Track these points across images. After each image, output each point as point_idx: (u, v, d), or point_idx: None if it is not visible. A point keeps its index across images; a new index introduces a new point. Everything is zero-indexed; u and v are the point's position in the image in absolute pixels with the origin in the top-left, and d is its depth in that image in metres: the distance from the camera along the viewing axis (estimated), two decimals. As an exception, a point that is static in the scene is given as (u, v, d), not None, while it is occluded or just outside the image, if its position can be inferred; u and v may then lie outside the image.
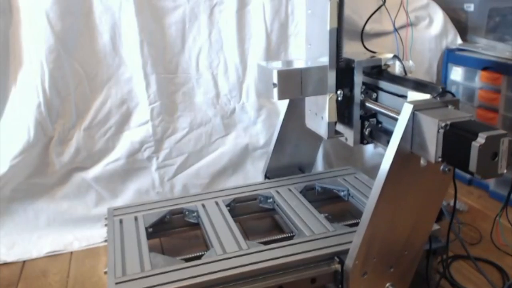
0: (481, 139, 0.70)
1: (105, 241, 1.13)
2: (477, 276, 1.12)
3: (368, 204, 0.88)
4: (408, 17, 1.50)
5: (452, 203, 1.43)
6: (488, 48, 1.58)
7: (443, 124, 0.75)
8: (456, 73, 1.62)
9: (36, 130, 1.29)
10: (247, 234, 1.31)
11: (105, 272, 0.97)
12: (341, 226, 1.09)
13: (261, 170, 1.44)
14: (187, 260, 1.00)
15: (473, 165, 0.71)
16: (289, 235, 1.12)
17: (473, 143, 0.70)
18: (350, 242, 0.99)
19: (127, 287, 0.90)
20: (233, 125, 1.50)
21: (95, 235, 1.35)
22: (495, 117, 1.48)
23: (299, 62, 1.06)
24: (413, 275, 0.99)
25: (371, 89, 1.03)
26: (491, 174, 0.73)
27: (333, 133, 1.08)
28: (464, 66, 1.59)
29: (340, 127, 1.09)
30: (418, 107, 0.81)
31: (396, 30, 1.46)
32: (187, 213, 1.22)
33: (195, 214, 1.21)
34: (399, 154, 0.83)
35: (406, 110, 0.82)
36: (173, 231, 1.24)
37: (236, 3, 1.43)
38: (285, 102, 1.32)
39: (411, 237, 0.93)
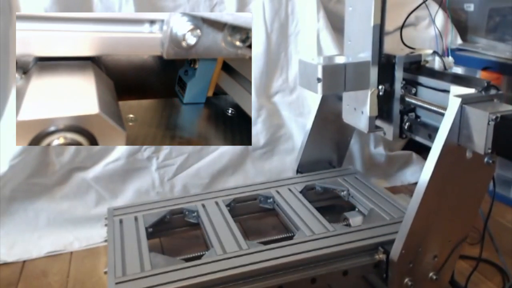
0: None
1: (105, 241, 1.13)
2: (477, 276, 1.12)
3: (415, 195, 0.90)
4: (448, 13, 1.52)
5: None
6: (488, 48, 1.58)
7: (493, 117, 0.78)
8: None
9: (36, 130, 1.29)
10: (247, 234, 1.31)
11: (105, 272, 0.97)
12: (341, 226, 1.09)
13: (261, 170, 1.45)
14: (187, 260, 1.00)
15: None
16: (289, 235, 1.12)
17: None
18: (351, 242, 0.99)
19: (127, 287, 0.90)
20: (233, 125, 1.50)
21: (95, 235, 1.35)
22: (495, 117, 1.48)
23: (341, 58, 1.08)
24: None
25: (410, 84, 1.06)
26: None
27: (374, 127, 1.11)
28: (464, 66, 1.59)
29: (378, 122, 1.12)
30: (466, 100, 0.84)
31: (435, 26, 1.48)
32: (187, 213, 1.22)
33: (195, 214, 1.21)
34: (447, 146, 0.85)
35: (454, 104, 0.84)
36: (173, 231, 1.24)
37: (236, 3, 1.43)
38: (318, 99, 1.34)
39: (455, 226, 0.96)
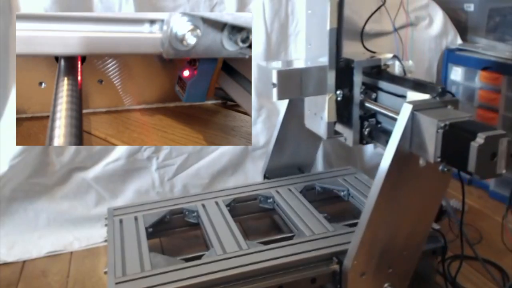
0: (480, 139, 0.70)
1: (105, 241, 1.13)
2: (477, 276, 1.12)
3: (367, 204, 0.88)
4: (409, 17, 1.49)
5: (452, 203, 1.44)
6: (488, 48, 1.58)
7: (442, 124, 0.75)
8: (456, 73, 1.62)
9: (36, 130, 1.29)
10: (247, 234, 1.31)
11: (105, 272, 0.97)
12: (341, 226, 1.09)
13: (261, 170, 1.44)
14: (187, 260, 1.00)
15: (472, 165, 0.71)
16: (289, 235, 1.12)
17: (472, 143, 0.70)
18: (350, 242, 0.99)
19: (127, 287, 0.90)
20: (233, 125, 1.50)
21: (95, 235, 1.35)
22: (495, 117, 1.48)
23: (299, 62, 1.06)
24: (412, 276, 0.99)
25: (370, 89, 1.03)
26: (490, 174, 0.73)
27: (332, 133, 1.08)
28: (464, 66, 1.59)
29: (339, 127, 1.08)
30: (417, 107, 0.81)
31: (396, 30, 1.46)
32: (187, 213, 1.22)
33: (195, 214, 1.21)
34: (398, 153, 0.83)
35: (406, 110, 0.82)
36: (173, 231, 1.24)
37: (236, 3, 1.43)
38: (285, 102, 1.32)
39: (410, 237, 0.93)
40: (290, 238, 1.06)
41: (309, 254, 0.97)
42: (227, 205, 1.23)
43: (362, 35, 1.17)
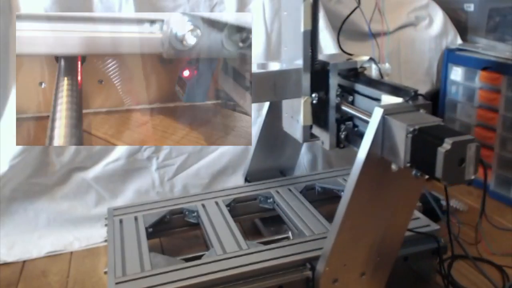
0: (447, 144, 0.68)
1: (105, 241, 1.13)
2: (477, 276, 1.12)
3: (339, 209, 0.86)
4: (385, 21, 1.48)
5: (451, 203, 1.44)
6: (488, 48, 1.58)
7: (411, 129, 0.74)
8: (456, 73, 1.62)
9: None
10: (247, 234, 1.31)
11: (105, 272, 0.97)
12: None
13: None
14: (187, 260, 1.00)
15: (439, 171, 0.69)
16: (289, 235, 1.12)
17: (439, 148, 0.68)
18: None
19: (127, 287, 0.90)
20: (233, 125, 1.50)
21: (95, 235, 1.35)
22: (495, 117, 1.48)
23: (275, 65, 1.04)
24: (412, 276, 0.99)
25: (347, 92, 1.01)
26: (458, 180, 0.71)
27: (308, 136, 1.06)
28: (464, 66, 1.59)
29: (316, 130, 1.06)
30: (388, 111, 0.79)
31: (371, 33, 1.45)
32: (187, 213, 1.22)
33: (195, 214, 1.21)
34: (370, 158, 0.81)
35: (377, 114, 0.80)
36: (173, 231, 1.24)
37: (236, 3, 1.43)
38: (266, 105, 1.29)
39: (384, 242, 0.91)
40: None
41: (309, 254, 0.97)
42: (227, 205, 1.23)
43: (338, 36, 1.16)
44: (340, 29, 1.17)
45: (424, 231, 1.06)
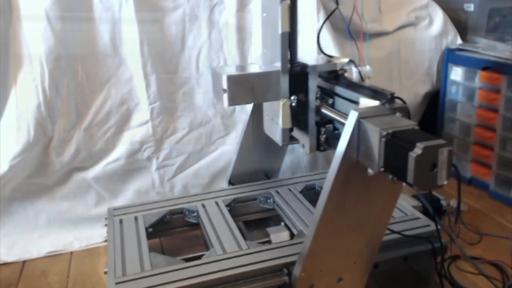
0: (418, 149, 0.66)
1: (105, 241, 1.13)
2: (477, 276, 1.12)
3: (315, 214, 0.84)
4: (363, 21, 1.47)
5: (452, 203, 1.44)
6: (488, 48, 1.58)
7: (384, 133, 0.72)
8: (456, 73, 1.62)
9: (36, 130, 1.29)
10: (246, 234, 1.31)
11: (105, 272, 0.97)
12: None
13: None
14: (187, 260, 1.00)
15: (410, 176, 0.67)
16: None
17: (410, 153, 0.67)
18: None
19: (127, 287, 0.90)
20: (233, 125, 1.50)
21: (95, 235, 1.35)
22: (495, 117, 1.48)
23: (254, 67, 1.03)
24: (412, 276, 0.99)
25: (327, 94, 0.99)
26: (430, 186, 0.69)
27: (288, 139, 1.05)
28: (464, 66, 1.59)
29: (297, 133, 1.05)
30: (363, 114, 0.77)
31: (351, 35, 1.44)
32: (187, 213, 1.22)
33: (195, 214, 1.21)
34: (345, 162, 0.79)
35: (352, 118, 0.78)
36: (173, 231, 1.24)
37: (236, 3, 1.43)
38: (250, 107, 1.28)
39: (362, 246, 0.89)
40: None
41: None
42: (227, 205, 1.23)
43: (318, 38, 1.15)
44: (320, 30, 1.16)
45: (424, 231, 1.06)
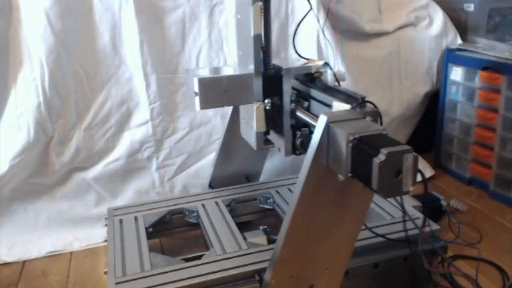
0: (382, 155, 0.64)
1: (105, 241, 1.13)
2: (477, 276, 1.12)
3: (285, 220, 0.83)
4: (337, 21, 1.47)
5: (451, 203, 1.44)
6: (488, 48, 1.58)
7: (351, 138, 0.70)
8: (456, 73, 1.62)
9: (36, 130, 1.29)
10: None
11: (105, 272, 0.97)
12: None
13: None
14: (187, 260, 1.00)
15: (374, 182, 0.66)
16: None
17: (374, 159, 0.65)
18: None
19: (127, 287, 0.90)
20: (233, 125, 1.50)
21: (95, 235, 1.35)
22: (495, 117, 1.48)
23: (227, 69, 1.02)
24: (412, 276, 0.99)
25: (303, 97, 0.98)
26: (395, 192, 0.68)
27: (262, 143, 1.03)
28: (464, 66, 1.59)
29: (273, 137, 1.03)
30: (332, 118, 0.76)
31: (325, 36, 1.44)
32: (187, 213, 1.22)
33: (195, 214, 1.21)
34: (315, 168, 0.77)
35: (321, 122, 0.77)
36: (173, 231, 1.24)
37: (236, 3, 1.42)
38: (230, 109, 1.27)
39: (333, 253, 0.87)
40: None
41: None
42: (227, 205, 1.23)
43: (294, 40, 1.14)
44: (296, 32, 1.15)
45: (424, 231, 1.06)
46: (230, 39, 1.45)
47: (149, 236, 1.14)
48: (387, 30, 1.66)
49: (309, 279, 0.88)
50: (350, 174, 0.72)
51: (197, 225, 1.21)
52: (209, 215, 1.18)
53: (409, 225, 1.07)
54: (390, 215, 1.13)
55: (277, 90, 0.99)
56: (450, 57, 1.64)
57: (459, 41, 1.69)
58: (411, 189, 0.67)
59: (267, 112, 1.00)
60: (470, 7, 1.68)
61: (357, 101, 0.81)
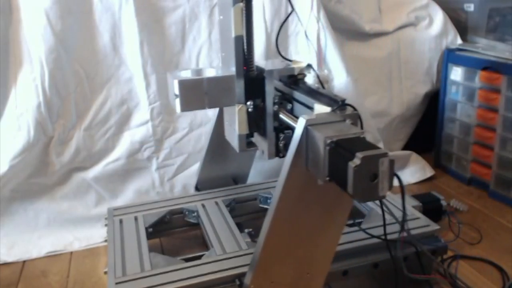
0: (357, 159, 0.63)
1: (105, 241, 1.13)
2: (477, 276, 1.12)
3: (264, 223, 0.82)
4: (321, 24, 1.46)
5: (451, 203, 1.44)
6: (488, 48, 1.58)
7: (328, 141, 0.69)
8: (456, 73, 1.62)
9: (36, 130, 1.29)
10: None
11: (105, 272, 0.97)
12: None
13: (260, 170, 1.44)
14: (187, 260, 1.00)
15: (350, 186, 0.64)
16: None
17: (349, 163, 0.63)
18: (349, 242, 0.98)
19: (127, 287, 0.90)
20: (233, 125, 1.50)
21: (95, 235, 1.35)
22: (495, 117, 1.48)
23: (209, 71, 1.01)
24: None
25: (287, 99, 0.97)
26: (371, 197, 0.66)
27: (245, 146, 1.02)
28: (464, 66, 1.59)
29: (257, 139, 1.02)
30: (311, 121, 0.75)
31: (307, 37, 1.43)
32: (187, 213, 1.22)
33: (195, 214, 1.21)
34: (294, 171, 0.76)
35: (300, 125, 0.75)
36: (173, 231, 1.24)
37: (236, 3, 1.42)
38: (215, 110, 1.26)
39: (314, 257, 0.86)
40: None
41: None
42: (227, 205, 1.23)
43: (277, 41, 1.13)
44: (278, 34, 1.15)
45: (424, 231, 1.06)
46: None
47: (149, 236, 1.14)
48: (387, 30, 1.66)
49: (289, 284, 0.87)
50: (328, 178, 0.70)
51: (197, 225, 1.21)
52: (209, 215, 1.17)
53: (410, 225, 1.07)
54: (390, 215, 1.12)
55: (260, 92, 0.97)
56: (450, 57, 1.64)
57: (459, 41, 1.69)
58: (387, 193, 0.66)
59: (249, 114, 0.99)
60: (470, 7, 1.68)
61: (337, 103, 0.80)
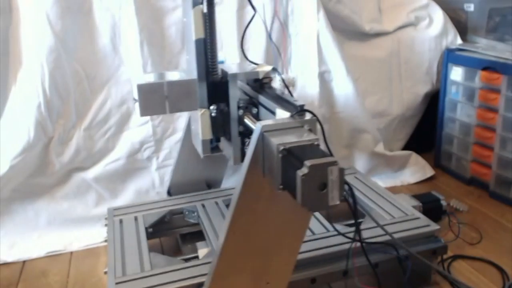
0: (305, 168, 0.61)
1: (105, 241, 1.13)
2: (477, 276, 1.12)
3: (221, 231, 0.79)
4: (285, 26, 1.46)
5: (451, 203, 1.44)
6: (488, 48, 1.58)
7: (281, 148, 0.67)
8: (456, 73, 1.62)
9: (36, 130, 1.29)
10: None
11: (105, 272, 0.97)
12: (341, 226, 1.09)
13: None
14: (187, 260, 1.00)
15: (298, 196, 0.62)
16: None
17: (298, 171, 0.61)
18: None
19: (127, 287, 0.90)
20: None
21: (95, 235, 1.35)
22: (495, 117, 1.48)
23: (172, 75, 0.98)
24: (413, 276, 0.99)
25: (253, 104, 0.95)
26: (320, 206, 0.64)
27: (209, 151, 1.01)
28: (464, 66, 1.59)
29: (224, 144, 1.01)
30: (267, 128, 0.72)
31: (271, 39, 1.42)
32: (187, 213, 1.22)
33: (195, 214, 1.21)
34: (251, 178, 0.73)
35: (256, 132, 0.73)
36: (173, 231, 1.24)
37: (236, 3, 1.43)
38: (187, 114, 1.24)
39: (274, 266, 0.83)
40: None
41: (308, 254, 0.97)
42: (227, 205, 1.23)
43: (242, 43, 1.12)
44: (243, 36, 1.15)
45: (424, 231, 1.06)
46: (230, 39, 1.45)
47: (149, 236, 1.14)
48: (387, 30, 1.66)
49: None
50: (281, 186, 0.68)
51: (197, 225, 1.21)
52: (209, 215, 1.18)
53: (410, 225, 1.07)
54: (390, 215, 1.13)
55: (222, 96, 0.96)
56: (450, 57, 1.64)
57: (459, 41, 1.69)
58: (337, 202, 0.64)
59: (214, 119, 0.97)
60: (470, 7, 1.68)
61: (296, 109, 0.77)
